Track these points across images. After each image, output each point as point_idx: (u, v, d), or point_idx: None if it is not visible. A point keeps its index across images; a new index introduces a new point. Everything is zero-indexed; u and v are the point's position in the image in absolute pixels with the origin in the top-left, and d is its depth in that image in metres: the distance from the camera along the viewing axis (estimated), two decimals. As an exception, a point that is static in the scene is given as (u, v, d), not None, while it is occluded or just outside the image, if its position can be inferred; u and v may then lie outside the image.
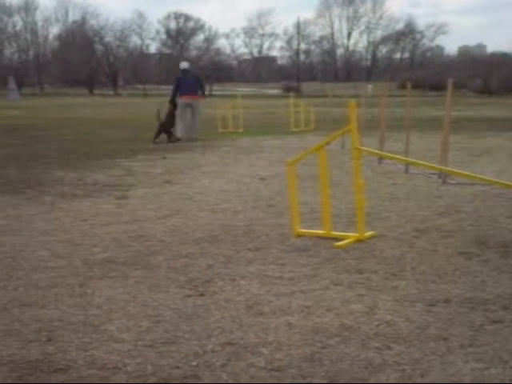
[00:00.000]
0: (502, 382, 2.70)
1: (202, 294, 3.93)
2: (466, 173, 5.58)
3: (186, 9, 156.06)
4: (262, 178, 8.62)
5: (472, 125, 18.46)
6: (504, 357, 2.94)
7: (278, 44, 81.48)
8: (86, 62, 67.90)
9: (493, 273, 4.25)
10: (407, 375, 2.78)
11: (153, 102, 41.72)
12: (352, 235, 5.24)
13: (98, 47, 75.33)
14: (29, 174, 9.14)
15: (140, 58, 76.43)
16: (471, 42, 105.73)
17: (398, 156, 6.96)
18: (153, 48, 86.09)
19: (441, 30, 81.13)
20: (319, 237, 5.29)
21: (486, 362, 2.89)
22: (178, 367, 2.92)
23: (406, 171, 9.05)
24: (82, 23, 77.98)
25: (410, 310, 3.58)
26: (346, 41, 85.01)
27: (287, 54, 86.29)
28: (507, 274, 4.20)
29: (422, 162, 5.88)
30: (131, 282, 4.20)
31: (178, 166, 10.17)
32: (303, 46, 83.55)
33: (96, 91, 69.26)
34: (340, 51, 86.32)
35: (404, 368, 2.85)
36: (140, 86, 66.65)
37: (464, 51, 78.02)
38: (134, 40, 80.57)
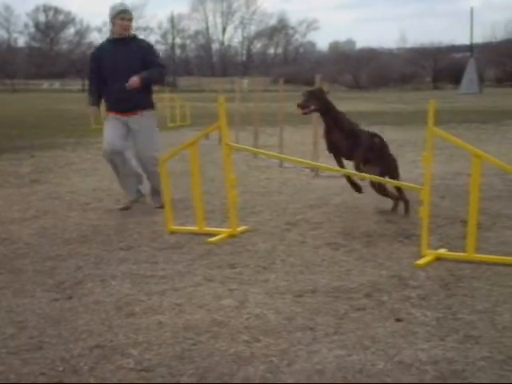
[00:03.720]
0: (363, 366, 2.83)
1: (70, 297, 3.82)
2: (332, 167, 5.79)
3: (55, 2, 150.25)
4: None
5: (342, 119, 19.12)
6: (366, 343, 3.08)
7: (153, 38, 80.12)
8: None
9: (357, 262, 4.44)
10: (274, 366, 2.85)
11: (23, 99, 39.93)
12: (225, 230, 5.29)
13: (-39, 40, 71.12)
14: None
15: (7, 52, 72.95)
16: (341, 37, 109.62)
17: (268, 152, 7.09)
18: (21, 42, 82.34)
19: (312, 26, 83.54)
20: (193, 233, 5.30)
21: (349, 349, 3.02)
22: (43, 374, 2.83)
23: (280, 165, 9.25)
24: None
25: (279, 302, 3.67)
26: (221, 36, 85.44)
27: (163, 48, 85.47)
28: (370, 263, 4.40)
29: (291, 158, 6.04)
30: (-6, 287, 4.02)
31: (48, 164, 9.83)
32: (178, 41, 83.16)
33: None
34: (215, 46, 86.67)
35: (271, 359, 2.91)
36: (8, 82, 63.58)
37: (334, 47, 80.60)
38: (1, 34, 76.91)
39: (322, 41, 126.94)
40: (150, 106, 6.29)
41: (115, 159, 6.24)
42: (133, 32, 6.37)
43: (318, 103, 5.77)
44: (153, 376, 2.79)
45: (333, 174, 7.80)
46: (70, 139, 13.80)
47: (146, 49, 6.29)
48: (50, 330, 3.31)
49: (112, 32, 6.29)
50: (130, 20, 6.23)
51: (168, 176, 5.59)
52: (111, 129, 6.24)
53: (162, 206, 5.95)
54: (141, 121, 6.20)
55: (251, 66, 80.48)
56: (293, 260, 4.52)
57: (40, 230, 5.55)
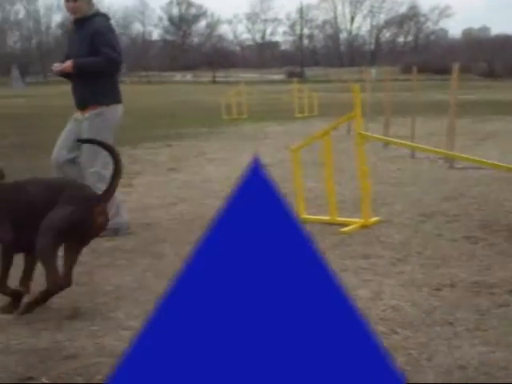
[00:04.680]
0: (508, 364, 2.72)
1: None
2: (472, 157, 5.58)
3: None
4: (266, 165, 8.64)
5: (477, 108, 18.39)
6: (510, 340, 2.95)
7: (281, 29, 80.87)
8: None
9: (498, 257, 4.26)
10: (414, 359, 2.80)
11: (157, 90, 41.65)
12: (357, 221, 5.25)
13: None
14: (36, 163, 9.16)
15: (143, 45, 76.40)
16: (475, 24, 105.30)
17: (402, 141, 6.94)
18: (155, 35, 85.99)
19: (444, 12, 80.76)
20: (324, 223, 5.31)
21: (492, 346, 2.91)
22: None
23: (412, 156, 9.04)
24: (84, 11, 77.82)
25: (416, 295, 3.60)
26: (349, 25, 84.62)
27: (290, 39, 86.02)
28: (513, 258, 4.21)
29: (426, 147, 5.89)
30: (138, 269, 4.23)
31: (183, 153, 10.19)
32: (306, 31, 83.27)
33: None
34: (343, 36, 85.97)
35: (410, 352, 2.87)
36: (143, 74, 66.59)
37: (468, 34, 77.54)
38: (137, 27, 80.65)
39: (455, 28, 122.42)
40: (96, 102, 4.95)
41: (60, 174, 5.00)
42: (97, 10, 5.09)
43: None
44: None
45: (469, 165, 7.52)
46: (203, 129, 14.22)
47: (94, 33, 4.91)
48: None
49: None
50: (75, 0, 4.93)
51: (300, 165, 5.63)
52: (61, 136, 5.14)
53: None
54: (83, 124, 4.98)
55: (379, 55, 79.12)
56: (429, 253, 4.41)
57: (178, 216, 5.77)
